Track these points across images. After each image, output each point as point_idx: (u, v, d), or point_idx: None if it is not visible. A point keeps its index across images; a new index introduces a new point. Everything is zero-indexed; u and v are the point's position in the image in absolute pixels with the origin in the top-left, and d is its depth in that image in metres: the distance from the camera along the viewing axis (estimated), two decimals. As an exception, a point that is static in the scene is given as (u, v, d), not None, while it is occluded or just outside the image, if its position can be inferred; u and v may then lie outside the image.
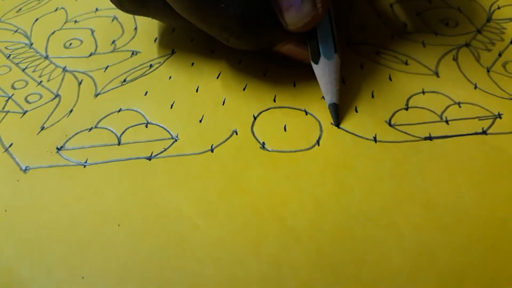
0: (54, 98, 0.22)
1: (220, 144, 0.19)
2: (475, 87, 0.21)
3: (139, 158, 0.19)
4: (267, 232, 0.17)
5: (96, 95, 0.22)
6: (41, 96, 0.22)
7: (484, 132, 0.19)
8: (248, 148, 0.19)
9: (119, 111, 0.21)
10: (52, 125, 0.21)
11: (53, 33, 0.26)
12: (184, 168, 0.19)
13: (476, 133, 0.19)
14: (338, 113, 0.20)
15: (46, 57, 0.24)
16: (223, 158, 0.19)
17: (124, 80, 0.22)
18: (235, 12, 0.18)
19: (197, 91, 0.22)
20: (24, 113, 0.21)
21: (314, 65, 0.20)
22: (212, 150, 0.19)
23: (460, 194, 0.17)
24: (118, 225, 0.17)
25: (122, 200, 0.18)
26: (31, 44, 0.25)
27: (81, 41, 0.25)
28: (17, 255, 0.16)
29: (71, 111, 0.21)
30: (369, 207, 0.17)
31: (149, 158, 0.19)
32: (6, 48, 0.25)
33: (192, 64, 0.23)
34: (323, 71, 0.20)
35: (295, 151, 0.19)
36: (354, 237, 0.16)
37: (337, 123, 0.20)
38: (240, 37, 0.19)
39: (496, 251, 0.16)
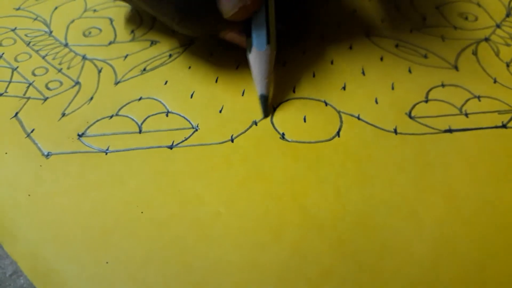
0: (74, 85, 0.22)
1: (240, 134, 0.20)
2: (495, 82, 0.21)
3: (160, 146, 0.19)
4: (289, 220, 0.17)
5: (117, 83, 0.22)
6: (61, 83, 0.22)
7: (504, 126, 0.19)
8: (268, 138, 0.19)
9: (139, 99, 0.21)
10: (73, 111, 0.21)
11: (72, 21, 0.26)
12: (205, 157, 0.19)
13: (496, 127, 0.19)
14: (267, 105, 0.20)
15: (66, 45, 0.25)
16: (243, 148, 0.19)
17: (144, 69, 0.23)
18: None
19: (216, 82, 0.22)
20: (45, 100, 0.21)
21: (248, 55, 0.20)
22: (232, 140, 0.19)
23: (481, 185, 0.17)
24: (141, 212, 0.17)
25: (144, 187, 0.18)
26: (51, 32, 0.26)
27: (100, 30, 0.25)
28: (42, 239, 0.16)
29: (91, 98, 0.21)
30: (390, 197, 0.17)
31: (171, 147, 0.19)
32: (26, 35, 0.25)
33: (211, 54, 0.23)
34: (254, 61, 0.20)
35: (315, 142, 0.19)
36: (375, 226, 0.16)
37: (266, 115, 0.20)
38: (180, 23, 0.20)
39: (517, 243, 0.16)
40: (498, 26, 0.24)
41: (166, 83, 0.22)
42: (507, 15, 0.25)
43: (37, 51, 0.24)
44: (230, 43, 0.21)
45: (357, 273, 0.15)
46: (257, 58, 0.20)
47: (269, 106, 0.20)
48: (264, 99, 0.20)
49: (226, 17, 0.19)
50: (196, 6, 0.19)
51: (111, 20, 0.26)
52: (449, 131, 0.19)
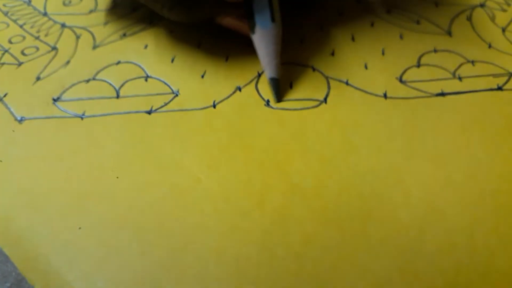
0: (50, 51, 0.21)
1: (223, 100, 0.19)
2: (490, 46, 0.20)
3: (138, 112, 0.18)
4: (272, 187, 0.16)
5: (95, 48, 0.21)
6: (37, 49, 0.21)
7: (499, 88, 0.18)
8: (252, 105, 0.18)
9: (117, 63, 0.20)
10: (48, 75, 0.20)
11: (52, -11, 0.25)
12: (185, 123, 0.18)
13: (491, 89, 0.18)
14: (279, 89, 0.19)
15: (45, 14, 0.24)
16: (226, 114, 0.18)
17: (124, 34, 0.22)
18: None
19: (199, 47, 0.21)
20: (20, 65, 0.20)
21: (252, 36, 0.19)
22: (214, 106, 0.18)
23: (473, 149, 0.16)
24: (117, 177, 0.16)
25: (121, 153, 0.17)
26: (30, 1, 0.25)
27: (81, -1, 0.24)
28: (14, 204, 0.16)
29: (68, 62, 0.20)
30: (377, 165, 0.16)
31: (149, 112, 0.18)
32: (4, 5, 0.24)
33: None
34: (260, 42, 0.19)
35: (301, 109, 0.18)
36: (360, 194, 0.16)
37: (278, 99, 0.19)
38: (172, 9, 0.19)
39: (508, 207, 0.15)
40: (494, -9, 0.23)
41: (146, 47, 0.21)
42: (504, -19, 0.24)
43: (15, 21, 0.23)
44: (226, 30, 0.20)
45: (341, 240, 0.15)
46: (263, 38, 0.18)
47: (281, 89, 0.19)
48: (275, 82, 0.19)
49: None
50: None
51: (92, -12, 0.25)
52: (442, 94, 0.18)
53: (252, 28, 0.19)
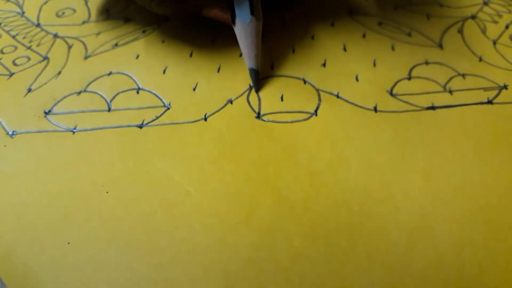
0: (42, 60, 0.21)
1: (214, 113, 0.19)
2: (480, 60, 0.20)
3: (130, 126, 0.18)
4: (260, 202, 0.16)
5: (86, 58, 0.21)
6: (29, 59, 0.21)
7: (489, 102, 0.18)
8: (243, 117, 0.19)
9: (109, 74, 0.20)
10: (39, 87, 0.20)
11: (46, 2, 0.25)
12: (176, 137, 0.18)
13: (481, 103, 0.18)
14: (258, 79, 0.19)
15: (38, 25, 0.24)
16: (217, 127, 0.18)
17: (116, 44, 0.22)
18: None
19: (191, 56, 0.21)
20: (11, 75, 0.20)
21: (234, 28, 0.19)
22: (205, 119, 0.18)
23: (463, 163, 0.16)
24: (107, 192, 0.16)
25: (111, 167, 0.17)
26: (23, 13, 0.25)
27: (74, 10, 0.24)
28: (3, 220, 0.16)
29: (59, 73, 0.20)
30: (366, 180, 0.16)
31: (141, 126, 0.18)
32: (-4, 15, 0.25)
33: (187, 30, 0.22)
34: (240, 34, 0.19)
35: (291, 122, 0.18)
36: (349, 209, 0.16)
37: (257, 89, 0.19)
38: (161, 3, 0.19)
39: (498, 222, 0.15)
40: (485, 3, 0.23)
41: (137, 57, 0.21)
42: (495, -8, 0.24)
43: (7, 31, 0.23)
44: (213, 21, 0.20)
45: (329, 256, 0.14)
46: (242, 31, 0.19)
47: (259, 80, 0.19)
48: (254, 73, 0.19)
49: None
50: None
51: (85, 1, 0.25)
52: (432, 108, 0.18)
53: (233, 20, 0.19)
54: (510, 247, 0.14)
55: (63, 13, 0.24)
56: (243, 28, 0.19)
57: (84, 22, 0.23)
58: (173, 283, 0.14)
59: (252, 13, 0.19)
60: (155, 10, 0.19)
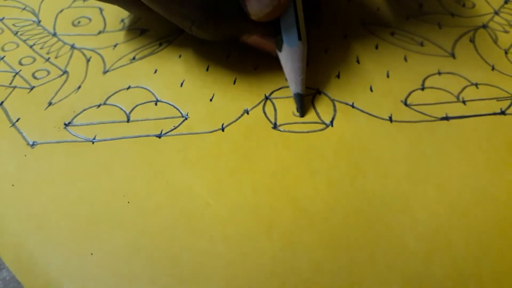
0: (62, 75, 0.21)
1: (231, 123, 0.19)
2: (493, 69, 0.20)
3: (148, 135, 0.19)
4: (280, 213, 0.16)
5: (105, 72, 0.21)
6: (48, 73, 0.22)
7: (502, 113, 0.19)
8: (260, 127, 0.19)
9: (128, 88, 0.20)
10: (60, 101, 0.20)
11: (61, 11, 0.26)
12: (194, 147, 0.18)
13: (494, 113, 0.19)
14: (303, 104, 0.19)
15: (54, 35, 0.24)
16: (234, 137, 0.18)
17: (134, 58, 0.22)
18: (197, 0, 0.18)
19: (207, 70, 0.21)
20: (32, 89, 0.21)
21: (278, 54, 0.19)
22: (223, 129, 0.19)
23: (477, 175, 0.17)
24: (128, 202, 0.17)
25: (131, 177, 0.17)
26: (39, 21, 0.25)
27: (90, 19, 0.25)
28: (25, 230, 0.16)
29: (79, 87, 0.21)
30: (383, 190, 0.17)
31: (159, 136, 0.19)
32: (14, 25, 0.25)
33: (202, 43, 0.22)
34: (286, 59, 0.19)
35: (307, 132, 0.19)
36: (368, 219, 0.16)
37: (302, 114, 0.19)
38: (201, 26, 0.19)
39: (515, 234, 0.15)
40: (496, 13, 0.23)
41: (155, 72, 0.21)
42: (506, 2, 0.24)
43: (24, 41, 0.24)
44: (251, 48, 0.20)
45: (349, 267, 0.15)
46: (289, 55, 0.19)
47: (305, 104, 0.19)
48: (299, 97, 0.19)
49: (256, 18, 0.18)
50: (221, 7, 0.18)
51: (101, 10, 0.25)
52: (446, 118, 0.19)
53: (279, 46, 0.19)
54: (527, 258, 0.15)
55: (79, 22, 0.25)
56: (290, 53, 0.19)
57: (100, 32, 0.24)
58: (196, 294, 0.14)
59: (299, 38, 0.19)
60: (195, 33, 0.19)
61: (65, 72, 0.22)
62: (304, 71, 0.19)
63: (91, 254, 0.15)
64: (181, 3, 0.18)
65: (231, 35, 0.19)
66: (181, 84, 0.21)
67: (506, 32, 0.22)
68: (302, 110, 0.19)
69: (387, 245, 0.15)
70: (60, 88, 0.21)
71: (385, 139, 0.18)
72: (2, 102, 0.20)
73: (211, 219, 0.16)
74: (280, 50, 0.19)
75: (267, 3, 0.18)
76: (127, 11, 0.22)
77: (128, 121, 0.19)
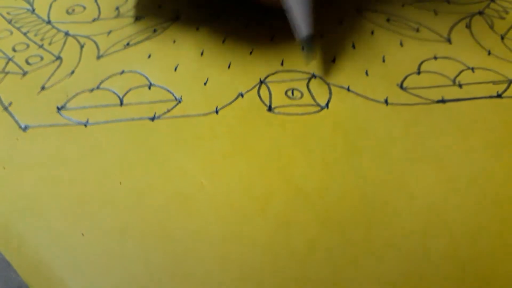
0: (55, 60, 0.21)
1: (225, 106, 0.19)
2: (489, 53, 0.20)
3: (141, 118, 0.18)
4: (274, 192, 0.16)
5: (99, 58, 0.21)
6: (42, 58, 0.21)
7: (499, 96, 0.18)
8: (255, 110, 0.19)
9: (121, 73, 0.20)
10: (53, 85, 0.20)
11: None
12: (188, 129, 0.18)
13: (490, 97, 0.18)
14: (312, 46, 0.19)
15: (48, 22, 0.24)
16: (228, 119, 0.18)
17: (128, 44, 0.22)
18: None
19: (202, 55, 0.21)
20: (25, 74, 0.21)
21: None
22: (217, 112, 0.19)
23: (474, 155, 0.17)
24: (120, 182, 0.16)
25: (124, 159, 0.17)
26: (33, 10, 0.25)
27: (84, 7, 0.25)
28: (15, 211, 0.16)
29: (72, 72, 0.20)
30: (380, 168, 0.16)
31: (152, 119, 0.18)
32: (8, 13, 0.25)
33: (197, 28, 0.22)
34: (293, 2, 0.19)
35: (302, 114, 0.18)
36: (363, 198, 0.16)
37: (311, 57, 0.19)
38: None
39: (510, 213, 0.15)
40: (492, 0, 0.23)
41: (149, 56, 0.21)
42: (502, -11, 0.24)
43: (18, 28, 0.23)
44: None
45: (344, 245, 0.15)
46: None
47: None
48: (310, 39, 0.19)
49: None
50: None
51: (95, -3, 0.25)
52: (442, 101, 0.18)
53: None
54: (525, 234, 0.14)
55: (73, 10, 0.25)
56: None
57: (94, 20, 0.24)
58: (189, 275, 0.14)
59: None
60: None
61: (58, 57, 0.21)
62: (311, 13, 0.19)
63: (82, 234, 0.15)
64: None
65: None
66: (175, 69, 0.20)
67: (502, 18, 0.22)
68: (312, 51, 0.19)
69: (383, 223, 0.15)
70: (53, 73, 0.21)
71: (381, 120, 0.18)
72: (-6, 87, 0.20)
73: (205, 200, 0.16)
74: None
75: None
76: None
77: (121, 104, 0.19)
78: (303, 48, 0.19)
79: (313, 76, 0.20)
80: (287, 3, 0.19)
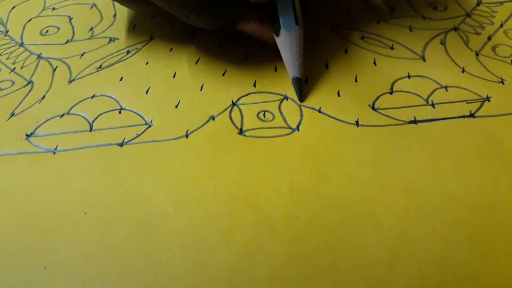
0: (26, 85, 0.21)
1: (196, 129, 0.19)
2: (463, 71, 0.20)
3: (110, 144, 0.18)
4: (240, 220, 0.16)
5: (70, 81, 0.21)
6: (13, 83, 0.21)
7: (472, 115, 0.18)
8: (225, 133, 0.18)
9: (92, 97, 0.20)
10: (22, 111, 0.20)
11: (29, 20, 0.25)
12: (156, 155, 0.18)
13: (463, 116, 0.18)
14: (302, 88, 0.19)
15: (21, 44, 0.24)
16: (198, 143, 0.18)
17: (100, 67, 0.22)
18: None
19: (174, 77, 0.21)
20: (-6, 100, 0.20)
21: (276, 39, 0.20)
22: (187, 136, 0.18)
23: (444, 179, 0.16)
24: (85, 213, 0.16)
25: (90, 187, 0.17)
26: (7, 31, 0.25)
27: (58, 28, 0.24)
28: (-22, 244, 0.16)
29: (43, 97, 0.20)
30: (348, 194, 0.16)
31: (121, 145, 0.18)
32: (-19, 36, 0.25)
33: (171, 49, 0.22)
34: (284, 44, 0.19)
35: (273, 137, 0.18)
36: (330, 225, 0.15)
37: (301, 98, 0.19)
38: (201, 14, 0.19)
39: (481, 239, 0.15)
40: (468, 15, 0.23)
41: (121, 79, 0.21)
42: (478, 4, 0.24)
43: (-9, 51, 0.23)
44: (246, 36, 0.20)
45: (309, 275, 0.14)
46: (287, 40, 0.19)
47: (303, 88, 0.20)
48: (298, 81, 0.19)
49: (253, 0, 0.19)
50: None
51: (69, 18, 0.25)
52: (414, 122, 0.18)
53: (276, 31, 0.19)
54: (491, 264, 0.14)
55: (47, 31, 0.24)
56: (288, 37, 0.19)
57: (67, 41, 0.23)
58: (151, 307, 0.14)
59: (296, 22, 0.19)
60: (192, 22, 0.19)
61: (30, 82, 0.21)
62: (302, 55, 0.19)
63: (45, 268, 0.15)
64: None
65: (228, 22, 0.20)
66: (147, 91, 0.20)
67: (478, 34, 0.22)
68: (301, 94, 0.19)
69: (350, 251, 0.15)
70: (24, 98, 0.20)
71: (351, 143, 0.18)
72: (-37, 114, 0.20)
73: (169, 229, 0.15)
74: (277, 35, 0.19)
75: None
76: (122, 5, 0.22)
77: (91, 130, 0.19)
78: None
79: (285, 97, 0.20)
80: (278, 44, 0.20)
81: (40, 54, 0.23)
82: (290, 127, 0.18)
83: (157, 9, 0.19)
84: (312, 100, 0.19)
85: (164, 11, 0.20)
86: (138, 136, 0.18)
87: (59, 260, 0.15)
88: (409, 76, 0.20)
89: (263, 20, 0.20)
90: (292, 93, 0.20)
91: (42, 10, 0.26)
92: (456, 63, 0.21)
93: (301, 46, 0.19)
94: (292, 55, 0.19)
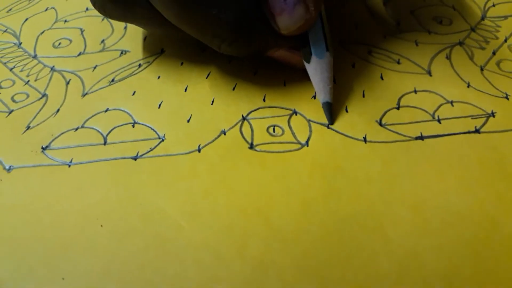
0: (41, 98, 0.22)
1: (208, 144, 0.19)
2: (468, 86, 0.21)
3: (124, 158, 0.19)
4: (253, 233, 0.16)
5: (84, 95, 0.21)
6: (28, 96, 0.22)
7: (477, 131, 0.19)
8: (236, 148, 0.19)
9: (106, 111, 0.21)
10: (38, 124, 0.20)
11: (42, 32, 0.26)
12: (170, 168, 0.18)
13: (468, 132, 0.19)
14: (332, 112, 0.20)
15: (35, 57, 0.24)
16: (210, 158, 0.19)
17: (112, 80, 0.22)
18: (227, 18, 0.18)
19: (185, 91, 0.21)
20: (10, 113, 0.21)
21: (306, 65, 0.20)
22: (199, 150, 0.19)
23: (450, 195, 0.17)
24: (101, 225, 0.17)
25: (105, 200, 0.17)
26: (20, 43, 0.25)
27: (70, 41, 0.25)
28: (-3, 256, 0.16)
29: (57, 110, 0.21)
30: (357, 210, 0.17)
31: (135, 158, 0.19)
32: (-5, 48, 0.25)
33: (182, 63, 0.23)
34: (315, 70, 0.20)
35: (283, 152, 0.19)
36: (340, 240, 0.16)
37: (331, 122, 0.20)
38: (232, 44, 0.19)
39: (486, 254, 0.15)
40: (472, 29, 0.24)
41: (134, 93, 0.21)
42: (482, 18, 0.24)
43: (4, 63, 0.24)
44: (276, 62, 0.21)
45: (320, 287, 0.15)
46: (318, 67, 0.19)
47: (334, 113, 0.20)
48: (329, 106, 0.20)
49: (286, 32, 0.19)
50: (250, 24, 0.19)
51: (81, 30, 0.26)
52: (421, 138, 0.19)
53: (306, 58, 0.20)
54: (496, 279, 0.15)
55: (59, 43, 0.25)
56: (319, 64, 0.19)
57: (80, 54, 0.24)
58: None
59: (327, 49, 0.19)
60: (224, 51, 0.19)
61: (44, 95, 0.22)
62: (332, 81, 0.20)
63: (63, 278, 0.15)
64: (213, 23, 0.18)
65: (259, 50, 0.20)
66: (159, 106, 0.21)
67: (483, 48, 0.23)
68: (332, 118, 0.20)
69: (359, 266, 0.15)
70: (39, 111, 0.21)
71: (359, 160, 0.18)
72: (-20, 126, 0.20)
73: (183, 242, 0.16)
74: (308, 62, 0.20)
75: (299, 17, 0.18)
76: (148, 31, 0.22)
77: (105, 143, 0.19)
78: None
79: (294, 112, 0.20)
80: (308, 70, 0.20)
81: (53, 66, 0.23)
82: (299, 142, 0.19)
83: (186, 35, 0.19)
84: (321, 116, 0.20)
85: (192, 37, 0.20)
86: (151, 150, 0.19)
87: (77, 272, 0.15)
88: (415, 91, 0.21)
89: (292, 46, 0.20)
90: (301, 108, 0.20)
91: (55, 23, 0.26)
92: (461, 78, 0.21)
93: (331, 72, 0.20)
94: (323, 81, 0.19)
